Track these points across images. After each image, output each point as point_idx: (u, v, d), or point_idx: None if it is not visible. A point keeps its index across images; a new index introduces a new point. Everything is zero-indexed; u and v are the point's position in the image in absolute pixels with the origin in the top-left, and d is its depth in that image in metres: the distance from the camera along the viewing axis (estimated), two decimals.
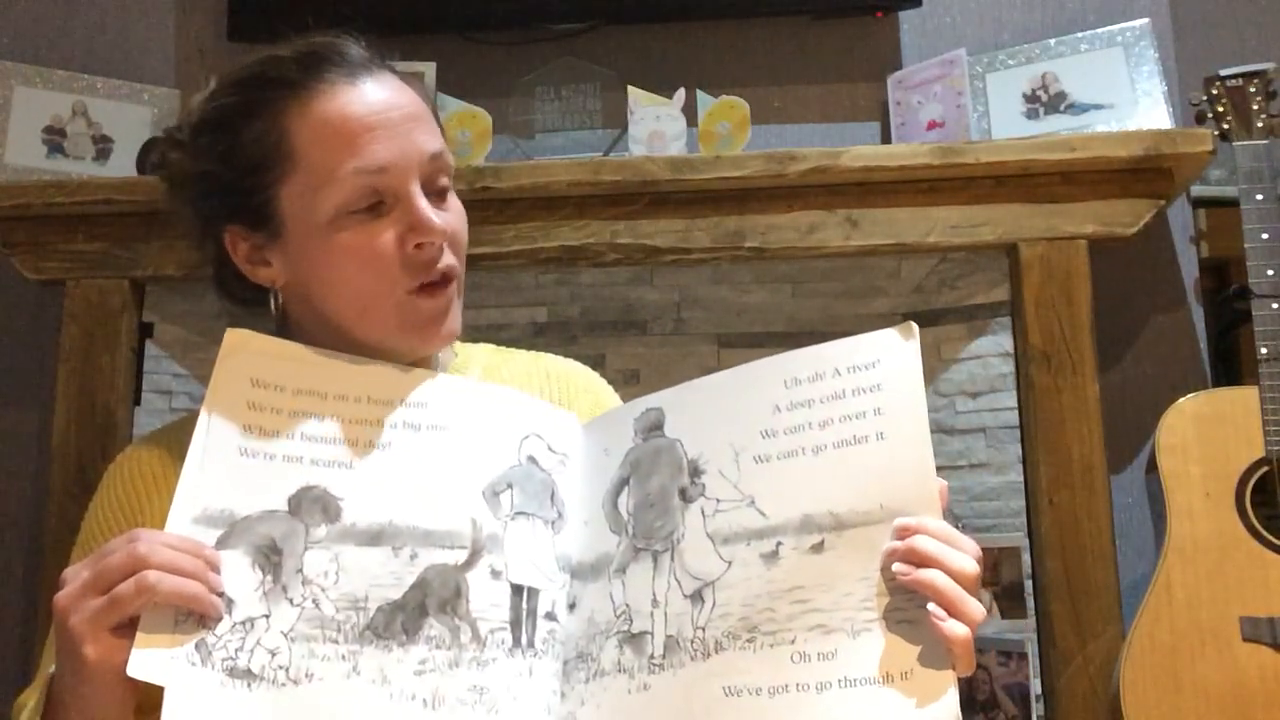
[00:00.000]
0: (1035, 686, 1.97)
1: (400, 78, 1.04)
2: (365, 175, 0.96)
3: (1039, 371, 2.01)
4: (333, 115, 0.97)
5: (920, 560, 0.80)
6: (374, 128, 0.97)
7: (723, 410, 0.91)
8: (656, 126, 2.14)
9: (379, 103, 0.99)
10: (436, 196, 1.01)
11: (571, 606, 0.91)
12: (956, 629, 0.78)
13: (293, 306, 1.04)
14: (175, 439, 1.01)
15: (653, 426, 0.94)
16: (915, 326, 0.88)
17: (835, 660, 0.80)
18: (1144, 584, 1.87)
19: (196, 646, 0.80)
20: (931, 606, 0.79)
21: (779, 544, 0.85)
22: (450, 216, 1.01)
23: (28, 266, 2.16)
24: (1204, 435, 1.89)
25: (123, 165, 2.27)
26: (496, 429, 0.95)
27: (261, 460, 0.88)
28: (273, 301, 1.04)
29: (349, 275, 0.98)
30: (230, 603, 0.82)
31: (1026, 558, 2.01)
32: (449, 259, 1.00)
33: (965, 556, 0.81)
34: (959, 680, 0.79)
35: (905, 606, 0.80)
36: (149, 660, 0.79)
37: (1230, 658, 1.78)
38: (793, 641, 0.81)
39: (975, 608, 0.80)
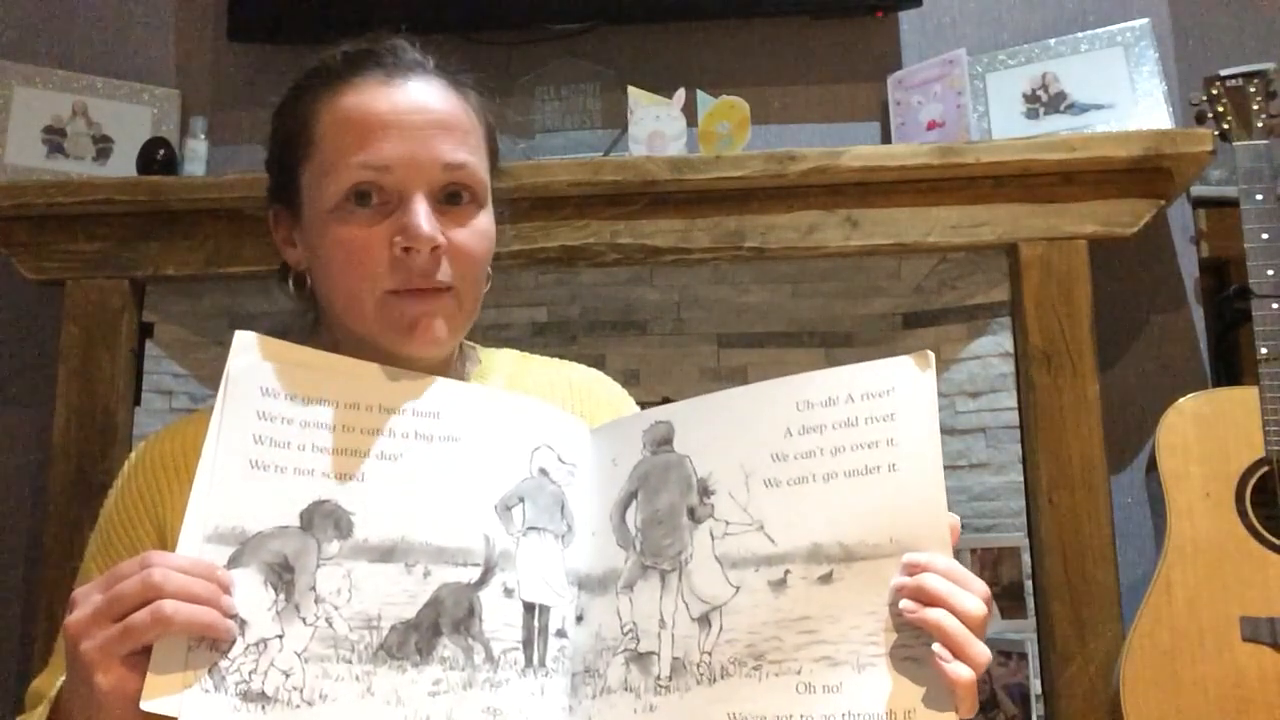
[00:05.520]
0: (1035, 686, 1.97)
1: (459, 90, 1.05)
2: (368, 170, 0.97)
3: (1039, 371, 2.02)
4: (353, 109, 0.99)
5: (928, 599, 0.79)
6: (389, 126, 0.98)
7: (733, 429, 0.90)
8: (656, 126, 2.14)
9: (405, 105, 1.00)
10: (450, 207, 1.00)
11: (579, 619, 0.90)
12: (961, 671, 0.78)
13: (316, 292, 1.06)
14: (195, 431, 0.99)
15: (662, 440, 0.93)
16: (931, 356, 0.86)
17: (840, 694, 0.79)
18: (1144, 584, 1.88)
19: (210, 672, 0.79)
20: (936, 647, 0.78)
21: (787, 572, 0.84)
22: (462, 232, 1.00)
23: (28, 266, 2.16)
24: (1204, 435, 1.90)
25: (123, 165, 2.27)
26: (508, 440, 0.93)
27: (272, 473, 0.86)
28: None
29: (338, 265, 0.99)
30: (243, 624, 0.81)
31: (1026, 558, 2.02)
32: (446, 273, 0.98)
33: (973, 598, 0.81)
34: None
35: (911, 644, 0.80)
36: (163, 692, 0.78)
37: (1230, 658, 1.79)
38: (799, 672, 0.81)
39: (981, 651, 0.79)
